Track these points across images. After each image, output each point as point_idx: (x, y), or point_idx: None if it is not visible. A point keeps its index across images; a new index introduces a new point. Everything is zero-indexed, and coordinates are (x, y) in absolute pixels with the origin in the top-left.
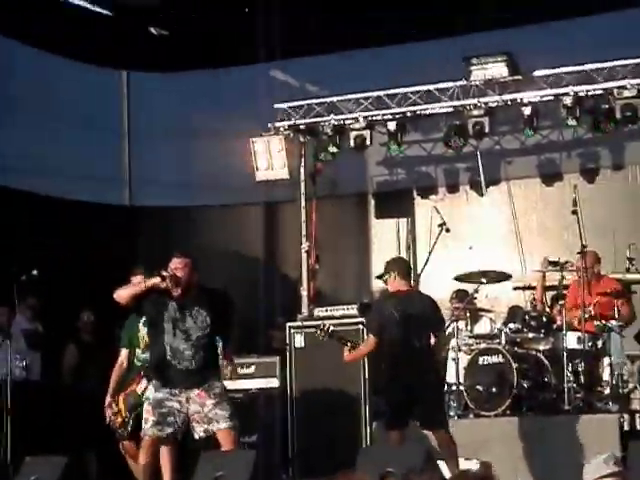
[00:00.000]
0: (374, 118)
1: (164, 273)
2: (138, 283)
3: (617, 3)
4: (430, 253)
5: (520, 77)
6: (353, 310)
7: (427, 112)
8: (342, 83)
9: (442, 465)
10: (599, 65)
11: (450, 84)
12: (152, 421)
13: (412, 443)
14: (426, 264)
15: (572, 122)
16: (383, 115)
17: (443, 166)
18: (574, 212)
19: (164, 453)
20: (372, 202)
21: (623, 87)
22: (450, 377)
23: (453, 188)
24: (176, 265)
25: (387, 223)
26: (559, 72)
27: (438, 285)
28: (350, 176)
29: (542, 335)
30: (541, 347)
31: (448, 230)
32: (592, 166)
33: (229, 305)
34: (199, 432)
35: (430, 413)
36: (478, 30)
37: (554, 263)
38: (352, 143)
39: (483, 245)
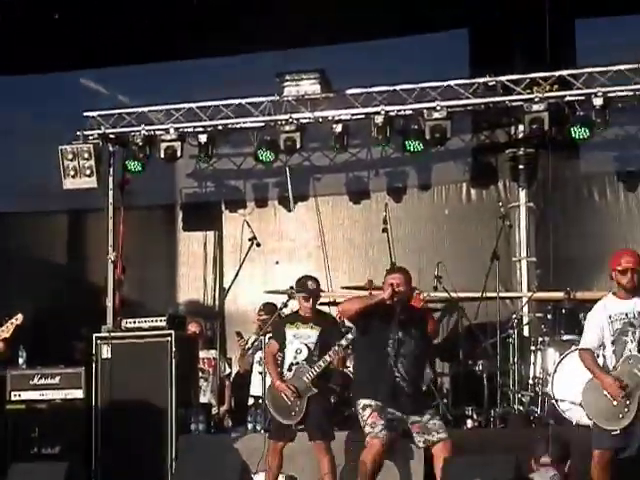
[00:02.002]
0: (185, 130)
1: (396, 288)
2: (367, 297)
3: (423, 27)
4: (240, 267)
5: (332, 95)
6: (162, 322)
7: (238, 126)
8: (154, 94)
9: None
10: (410, 86)
11: (262, 99)
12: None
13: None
14: (236, 277)
15: (382, 141)
16: (194, 127)
17: (252, 180)
18: (384, 230)
19: None
20: (180, 214)
21: (433, 109)
22: (257, 391)
23: (262, 202)
24: (397, 281)
25: (195, 235)
26: (371, 91)
27: (245, 299)
28: (159, 187)
29: (349, 351)
30: (348, 362)
31: (259, 245)
32: (399, 185)
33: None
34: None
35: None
36: (292, 46)
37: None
38: (162, 154)
39: (290, 260)
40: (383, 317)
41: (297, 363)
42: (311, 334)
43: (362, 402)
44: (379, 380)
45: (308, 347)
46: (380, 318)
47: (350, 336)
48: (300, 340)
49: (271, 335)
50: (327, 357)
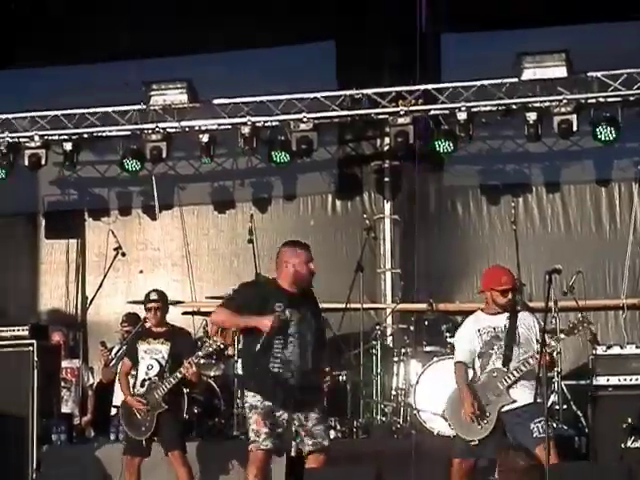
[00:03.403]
0: (50, 138)
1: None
2: (243, 319)
3: (291, 38)
4: (104, 277)
5: (199, 104)
6: (24, 332)
7: (104, 134)
8: (18, 101)
9: None
10: (276, 97)
11: (128, 107)
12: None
13: None
14: (100, 288)
15: (248, 152)
16: (59, 135)
17: (116, 189)
18: (250, 241)
19: None
20: (43, 222)
21: (299, 120)
22: (120, 401)
23: (126, 211)
24: (308, 259)
25: (57, 244)
26: (237, 102)
27: (109, 308)
28: (21, 195)
29: (213, 361)
30: (212, 373)
31: (124, 254)
32: (265, 196)
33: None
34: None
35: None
36: (159, 55)
37: None
38: (26, 162)
39: (155, 270)
40: (269, 298)
41: (149, 379)
42: (162, 349)
43: (248, 401)
44: (266, 371)
45: (159, 362)
46: (265, 300)
47: (200, 353)
48: (151, 356)
49: (125, 353)
50: (178, 374)
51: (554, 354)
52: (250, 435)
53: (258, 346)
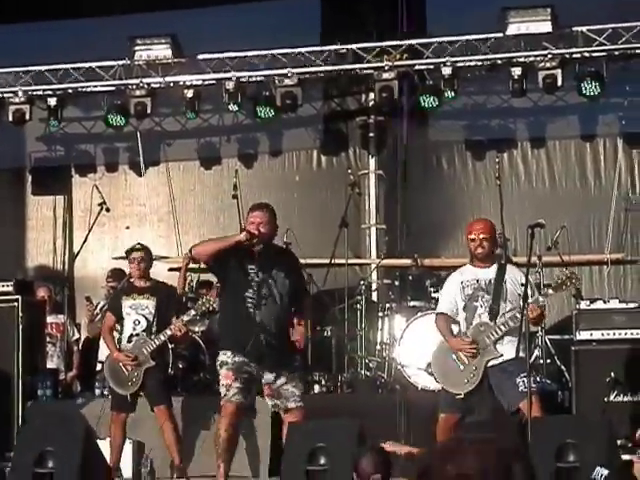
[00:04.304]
0: (34, 93)
1: (251, 230)
2: (219, 240)
3: None
4: (89, 232)
5: (183, 60)
6: (9, 287)
7: (89, 90)
8: (2, 56)
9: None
10: (261, 52)
11: (113, 63)
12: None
13: None
14: (84, 243)
15: (233, 107)
16: (44, 90)
17: (103, 145)
18: (234, 196)
19: None
20: (29, 178)
21: (284, 75)
22: (104, 356)
23: (112, 167)
24: (259, 219)
25: (44, 200)
26: (222, 57)
27: (95, 264)
28: (7, 151)
29: (198, 317)
30: (197, 328)
31: (108, 210)
32: (251, 151)
33: (299, 265)
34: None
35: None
36: (144, 10)
37: None
38: (10, 117)
39: (141, 226)
40: (242, 259)
41: (137, 334)
42: (148, 304)
43: (220, 357)
44: (238, 329)
45: (146, 318)
46: (238, 260)
47: (193, 312)
48: (137, 311)
49: (108, 308)
50: (168, 331)
51: (544, 310)
52: (221, 390)
53: (230, 305)
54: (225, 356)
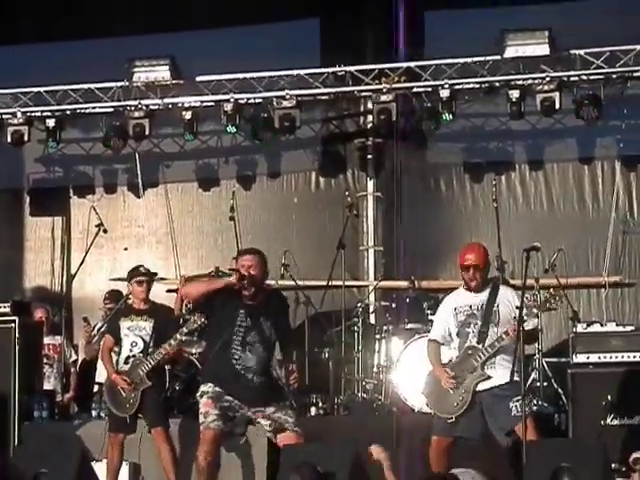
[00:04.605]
0: (33, 114)
1: (242, 272)
2: (211, 281)
3: (274, 15)
4: (87, 253)
5: (182, 81)
6: (6, 308)
7: (87, 111)
8: (0, 77)
9: None
10: (260, 74)
11: (112, 84)
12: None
13: None
14: (82, 264)
15: (231, 129)
16: (42, 112)
17: (101, 166)
18: (232, 218)
19: None
20: (27, 199)
21: (282, 97)
22: (102, 378)
23: (111, 189)
24: (249, 263)
25: (42, 221)
26: (220, 79)
27: (93, 285)
28: (5, 172)
29: (195, 338)
30: (194, 350)
31: (105, 231)
32: (249, 173)
33: (286, 309)
34: None
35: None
36: (142, 32)
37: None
38: (9, 138)
39: (139, 247)
40: (230, 302)
41: (134, 356)
42: (145, 326)
43: (201, 388)
44: (221, 368)
45: (143, 339)
46: (227, 303)
47: (185, 330)
48: (135, 332)
49: (106, 330)
50: (162, 350)
51: (533, 329)
52: (200, 418)
53: (218, 345)
54: (206, 387)
